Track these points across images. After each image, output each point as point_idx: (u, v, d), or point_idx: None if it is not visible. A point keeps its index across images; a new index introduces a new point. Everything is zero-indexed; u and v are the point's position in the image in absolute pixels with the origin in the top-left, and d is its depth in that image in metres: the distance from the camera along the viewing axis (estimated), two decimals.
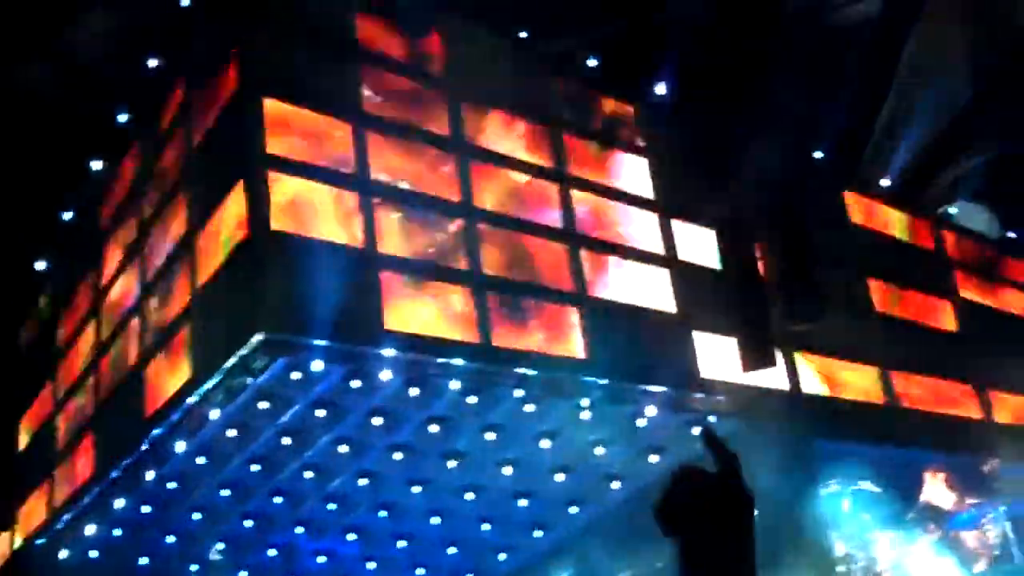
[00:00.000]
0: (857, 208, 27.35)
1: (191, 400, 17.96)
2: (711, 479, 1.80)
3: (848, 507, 22.29)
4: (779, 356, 21.83)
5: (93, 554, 21.99)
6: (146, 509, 20.91)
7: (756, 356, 21.18)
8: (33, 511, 24.31)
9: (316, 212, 17.74)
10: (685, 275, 21.92)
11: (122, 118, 22.84)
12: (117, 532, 21.57)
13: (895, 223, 28.22)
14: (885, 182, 27.70)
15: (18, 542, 24.55)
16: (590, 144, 22.37)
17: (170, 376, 19.08)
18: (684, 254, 22.36)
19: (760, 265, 21.84)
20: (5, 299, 26.40)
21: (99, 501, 21.00)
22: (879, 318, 25.56)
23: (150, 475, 19.77)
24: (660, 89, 23.62)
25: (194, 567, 22.81)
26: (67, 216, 24.69)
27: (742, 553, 1.66)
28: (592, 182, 21.81)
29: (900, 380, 25.04)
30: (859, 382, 24.27)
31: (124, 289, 21.96)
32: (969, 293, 28.80)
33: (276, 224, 17.00)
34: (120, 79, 22.24)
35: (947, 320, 27.77)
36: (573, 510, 23.15)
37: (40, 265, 25.82)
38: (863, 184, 27.70)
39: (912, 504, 23.64)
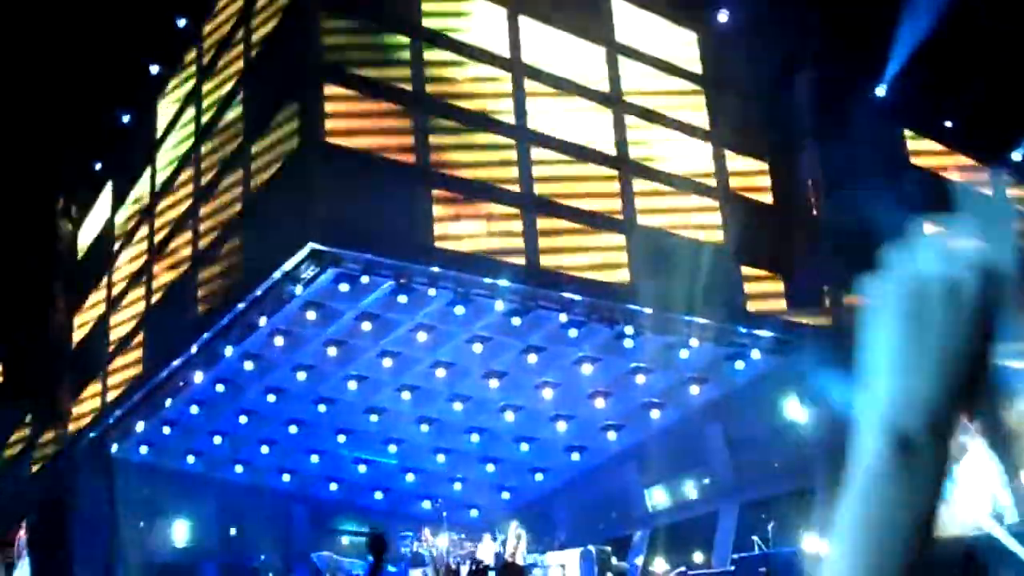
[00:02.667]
0: (917, 149, 26.75)
1: (240, 306, 18.31)
2: None
3: None
4: (826, 295, 21.69)
5: (143, 450, 22.71)
6: (194, 410, 21.50)
7: (803, 294, 21.07)
8: (86, 405, 25.08)
9: (370, 126, 17.78)
10: (736, 208, 21.73)
11: (181, 23, 22.88)
12: (166, 430, 22.23)
13: (955, 166, 27.58)
14: (947, 123, 26.96)
15: (70, 435, 25.38)
16: (649, 71, 22.03)
17: (221, 281, 19.43)
18: (736, 187, 22.14)
19: (812, 202, 21.58)
20: (65, 197, 26.85)
21: (149, 400, 21.62)
22: None
23: (199, 377, 20.27)
24: (723, 16, 23.11)
25: (239, 468, 23.47)
26: (125, 118, 24.94)
27: None
28: (648, 109, 21.55)
29: None
30: None
31: (179, 193, 22.25)
32: None
33: (329, 136, 17.09)
34: None
35: None
36: (611, 436, 23.40)
37: (98, 165, 26.18)
38: (925, 124, 26.99)
39: None
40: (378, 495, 25.01)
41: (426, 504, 24.45)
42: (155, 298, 22.48)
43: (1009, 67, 22.94)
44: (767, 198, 21.87)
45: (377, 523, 24.92)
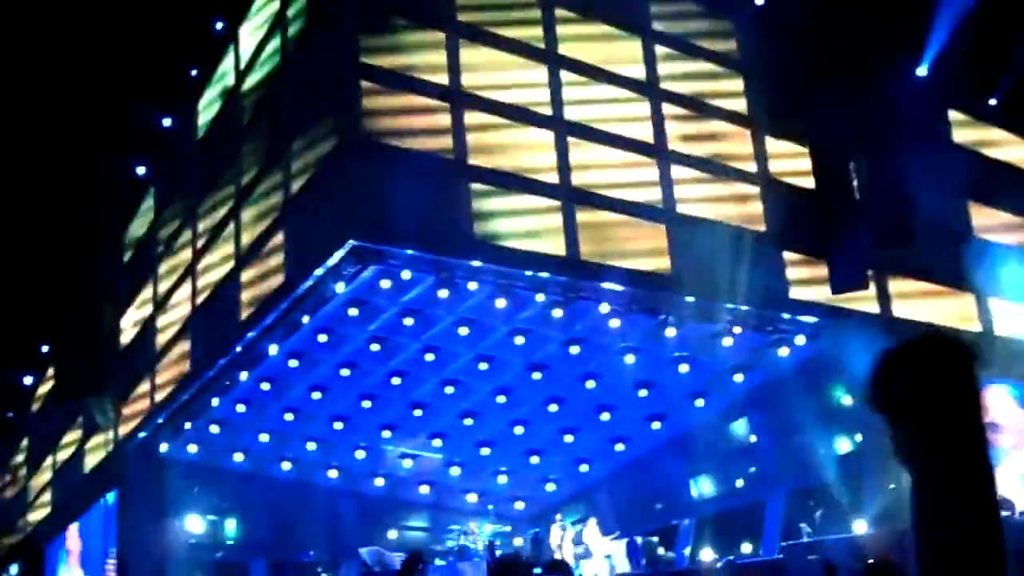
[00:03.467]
0: (961, 127, 26.37)
1: (284, 305, 18.47)
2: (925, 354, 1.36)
3: None
4: (870, 278, 21.44)
5: (192, 449, 23.01)
6: (241, 408, 21.75)
7: (846, 278, 20.85)
8: (136, 406, 25.44)
9: (408, 122, 17.85)
10: (777, 193, 21.55)
11: (218, 25, 23.10)
12: (214, 429, 22.51)
13: (1001, 144, 27.14)
14: (992, 101, 26.53)
15: (121, 435, 25.77)
16: (684, 58, 21.90)
17: (264, 280, 19.62)
18: (777, 172, 21.95)
19: (854, 184, 21.34)
20: (111, 202, 27.21)
21: (196, 399, 21.90)
22: (979, 243, 24.71)
23: (244, 376, 20.50)
24: (759, 0, 22.88)
25: (286, 465, 23.70)
26: (166, 122, 25.23)
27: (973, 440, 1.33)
28: (685, 96, 21.43)
29: (998, 307, 24.37)
30: (954, 308, 23.69)
31: (220, 193, 22.48)
32: None
33: (368, 133, 17.18)
34: None
35: None
36: (655, 425, 23.34)
37: (141, 170, 26.51)
38: (969, 101, 26.57)
39: None
40: (424, 489, 25.14)
41: (471, 497, 24.57)
42: (200, 299, 22.75)
43: None
44: (808, 182, 21.65)
45: (422, 517, 25.13)
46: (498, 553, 19.36)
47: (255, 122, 21.20)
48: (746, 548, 21.96)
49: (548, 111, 19.42)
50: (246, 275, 20.46)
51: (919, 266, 22.60)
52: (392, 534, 24.87)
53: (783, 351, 20.85)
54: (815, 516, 20.22)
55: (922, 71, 24.66)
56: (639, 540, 20.07)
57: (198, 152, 24.05)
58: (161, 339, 24.59)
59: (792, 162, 22.10)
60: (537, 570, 17.44)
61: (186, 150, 24.60)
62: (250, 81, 21.82)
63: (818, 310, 20.65)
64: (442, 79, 18.39)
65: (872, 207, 20.76)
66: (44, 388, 32.90)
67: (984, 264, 23.73)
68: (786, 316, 20.47)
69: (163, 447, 23.15)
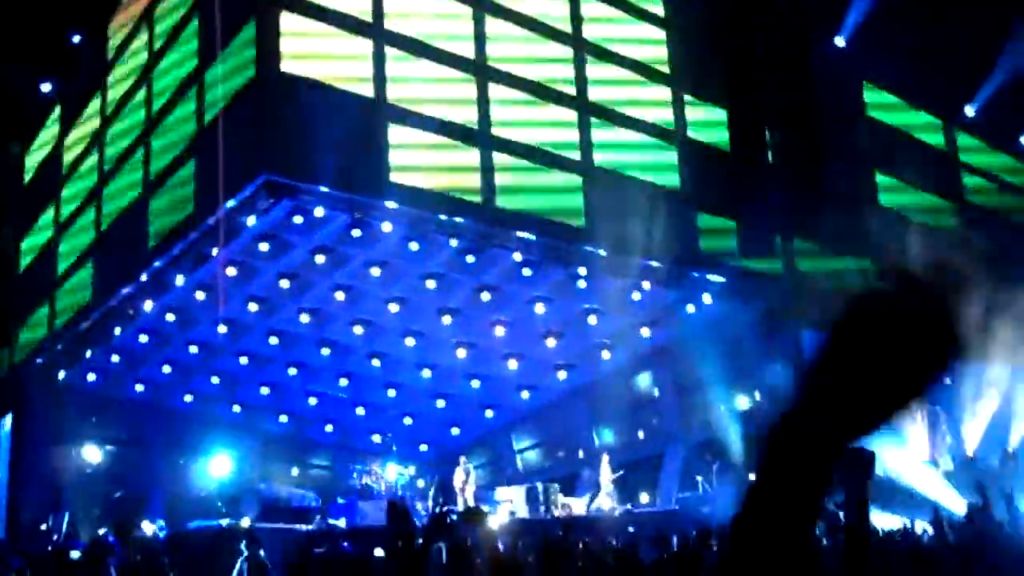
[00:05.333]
0: (875, 101, 26.87)
1: (192, 236, 18.10)
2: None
3: None
4: (778, 242, 21.88)
5: (91, 377, 22.52)
6: (143, 339, 21.32)
7: (755, 241, 21.26)
8: (34, 332, 24.77)
9: (328, 57, 17.51)
10: (692, 153, 21.76)
11: None
12: (115, 358, 22.05)
13: (911, 120, 27.73)
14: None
15: (17, 359, 25.10)
16: (610, 10, 21.84)
17: (173, 210, 19.17)
18: (693, 132, 22.14)
19: (768, 149, 21.69)
20: (12, 121, 26.19)
21: (98, 327, 21.40)
22: (884, 212, 25.32)
23: (148, 306, 20.08)
24: None
25: (188, 398, 23.38)
26: (75, 39, 24.28)
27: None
28: (609, 50, 21.41)
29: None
30: (857, 271, 24.29)
31: (130, 118, 21.81)
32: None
33: (286, 66, 16.80)
34: None
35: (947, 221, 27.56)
36: (561, 375, 23.61)
37: (46, 87, 25.52)
38: (883, 76, 27.05)
39: None
40: (328, 428, 25.09)
41: (376, 438, 24.59)
42: (105, 225, 22.14)
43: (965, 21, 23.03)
44: (724, 143, 21.90)
45: (326, 456, 25.08)
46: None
47: (170, 45, 20.54)
48: (644, 498, 22.49)
49: (470, 54, 19.23)
50: (155, 204, 19.97)
51: (826, 232, 23.07)
52: (295, 471, 24.80)
53: (690, 308, 21.22)
54: (712, 469, 20.77)
55: (840, 42, 25.06)
56: (540, 486, 20.38)
57: (107, 73, 23.24)
58: (62, 265, 23.91)
59: (709, 123, 22.32)
60: (453, 517, 17.62)
61: (95, 70, 23.75)
62: (166, 4, 21.11)
63: (726, 270, 21.02)
64: (365, 15, 18.05)
65: (784, 171, 21.14)
66: None
67: (885, 229, 24.26)
68: (695, 274, 20.81)
69: (61, 374, 22.62)
